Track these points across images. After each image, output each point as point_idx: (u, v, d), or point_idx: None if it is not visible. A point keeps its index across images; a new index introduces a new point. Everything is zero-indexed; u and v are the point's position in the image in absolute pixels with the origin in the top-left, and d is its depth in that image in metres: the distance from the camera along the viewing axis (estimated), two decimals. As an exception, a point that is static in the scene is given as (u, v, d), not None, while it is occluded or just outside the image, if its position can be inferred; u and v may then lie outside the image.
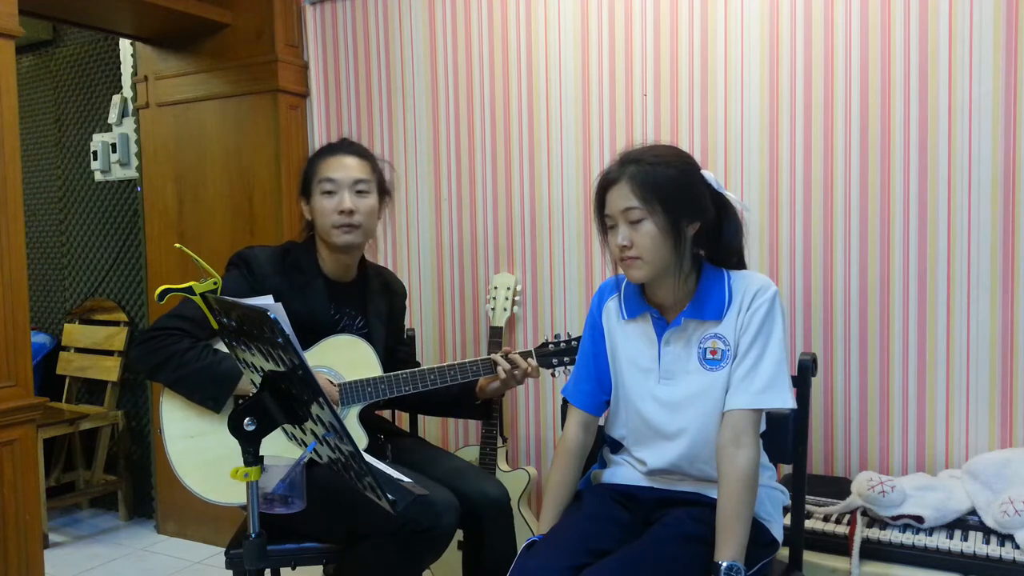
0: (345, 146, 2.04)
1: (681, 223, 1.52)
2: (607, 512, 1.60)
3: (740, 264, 1.64)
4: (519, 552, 1.56)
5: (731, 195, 1.61)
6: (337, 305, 2.03)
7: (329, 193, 1.96)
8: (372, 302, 2.10)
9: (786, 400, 1.52)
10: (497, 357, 2.00)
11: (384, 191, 2.07)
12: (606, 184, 1.56)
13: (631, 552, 1.46)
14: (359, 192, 1.98)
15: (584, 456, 1.73)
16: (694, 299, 1.58)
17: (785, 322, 1.58)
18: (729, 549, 1.44)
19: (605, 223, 1.58)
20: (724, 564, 1.42)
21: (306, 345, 1.94)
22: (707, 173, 1.57)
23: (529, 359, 2.01)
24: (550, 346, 2.06)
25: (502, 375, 1.99)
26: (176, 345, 1.85)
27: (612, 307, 1.71)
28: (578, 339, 2.03)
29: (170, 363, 1.84)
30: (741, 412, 1.51)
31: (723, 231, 1.60)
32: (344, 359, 1.97)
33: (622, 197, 1.52)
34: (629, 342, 1.66)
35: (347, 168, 1.98)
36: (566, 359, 2.05)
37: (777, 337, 1.53)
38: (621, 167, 1.54)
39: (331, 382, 1.91)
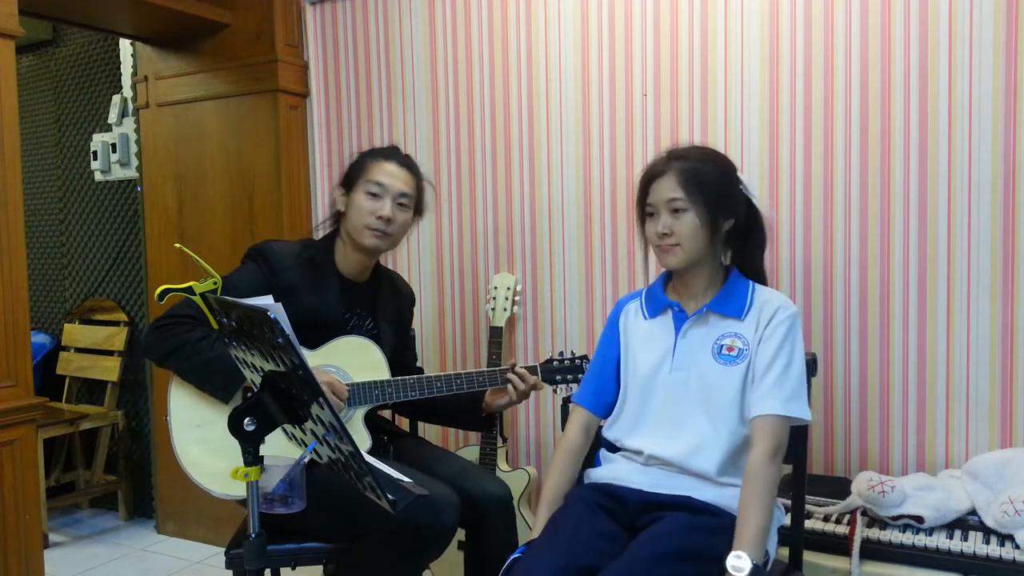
0: (400, 156, 2.05)
1: (718, 218, 1.63)
2: (590, 524, 1.58)
3: (760, 280, 1.72)
4: (501, 571, 1.54)
5: (758, 201, 1.73)
6: (349, 304, 2.03)
7: (374, 196, 1.98)
8: (382, 304, 2.11)
9: (807, 412, 1.59)
10: (510, 375, 2.01)
11: (419, 210, 2.09)
12: (652, 175, 1.66)
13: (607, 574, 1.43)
14: (400, 204, 2.00)
15: (582, 457, 1.76)
16: (720, 294, 1.67)
17: None
18: (739, 540, 1.45)
19: (645, 211, 1.67)
20: (731, 553, 1.43)
21: (315, 343, 1.95)
22: (743, 178, 1.69)
23: (534, 375, 2.03)
24: (555, 363, 2.07)
25: (513, 394, 2.01)
26: (189, 334, 1.84)
27: (632, 308, 1.78)
28: (582, 357, 2.07)
29: (182, 351, 1.84)
30: (763, 418, 1.55)
31: (751, 237, 1.71)
32: (353, 360, 1.97)
33: (668, 188, 1.62)
34: (646, 334, 1.72)
35: (396, 178, 2.00)
36: (569, 376, 2.06)
37: (800, 352, 1.61)
38: (668, 161, 1.65)
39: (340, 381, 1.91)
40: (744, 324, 1.63)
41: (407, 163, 2.05)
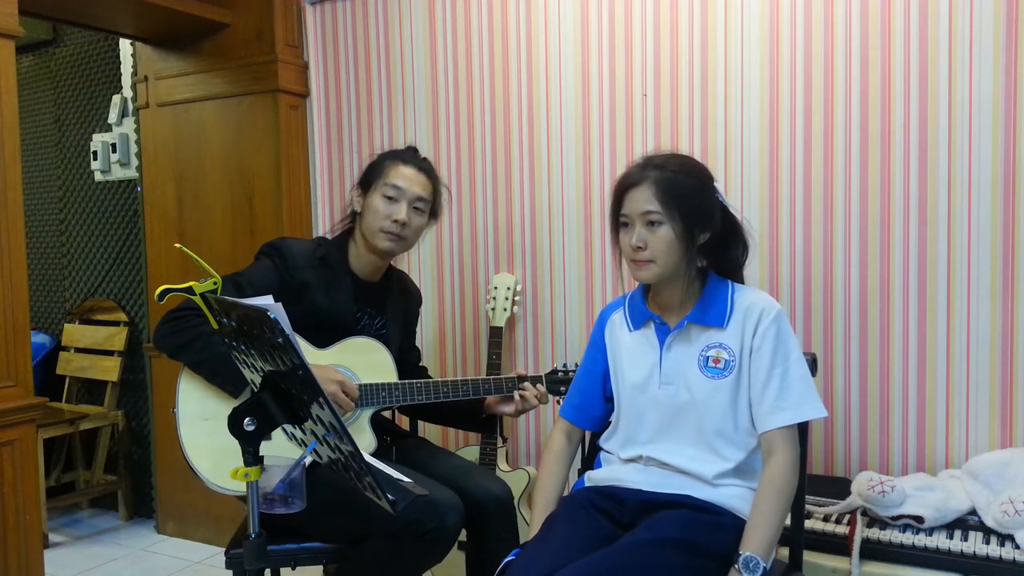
0: (418, 160, 2.06)
1: (695, 232, 1.57)
2: (585, 526, 1.58)
3: (738, 279, 1.68)
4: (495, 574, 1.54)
5: (736, 210, 1.68)
6: (360, 304, 2.04)
7: (390, 199, 1.98)
8: (392, 304, 2.12)
9: (820, 409, 1.57)
10: (525, 391, 2.01)
11: (435, 213, 2.10)
12: (627, 185, 1.59)
13: (602, 556, 1.44)
14: (416, 208, 2.01)
15: (569, 459, 1.78)
16: (698, 304, 1.62)
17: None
18: (752, 542, 1.46)
19: (619, 221, 1.61)
20: (744, 555, 1.44)
21: (325, 343, 1.95)
22: (719, 187, 1.63)
23: (539, 385, 2.03)
24: (559, 374, 2.07)
25: (520, 404, 2.01)
26: (203, 327, 1.84)
27: (617, 319, 1.74)
28: None
29: (196, 344, 1.84)
30: (778, 431, 1.54)
31: (729, 245, 1.66)
32: (362, 361, 1.97)
33: (643, 200, 1.56)
34: (632, 349, 1.69)
35: (413, 182, 2.01)
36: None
37: (796, 352, 1.58)
38: (644, 171, 1.58)
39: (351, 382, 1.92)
40: (727, 332, 1.59)
41: (425, 167, 2.05)
